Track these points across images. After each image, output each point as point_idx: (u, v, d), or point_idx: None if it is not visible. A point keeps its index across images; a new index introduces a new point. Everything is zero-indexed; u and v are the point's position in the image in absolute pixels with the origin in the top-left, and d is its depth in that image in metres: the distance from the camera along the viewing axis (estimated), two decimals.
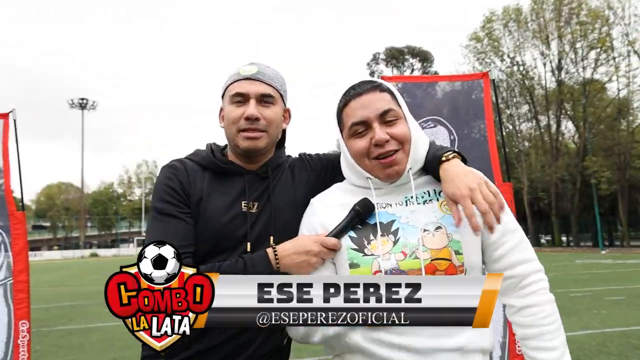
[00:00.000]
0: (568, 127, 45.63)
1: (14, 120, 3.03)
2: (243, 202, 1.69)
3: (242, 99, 1.69)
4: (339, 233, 1.52)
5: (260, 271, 1.51)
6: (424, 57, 57.59)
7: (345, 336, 1.43)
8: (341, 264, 1.50)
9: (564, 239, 45.12)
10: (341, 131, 1.59)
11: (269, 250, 1.55)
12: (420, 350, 1.36)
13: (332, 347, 1.52)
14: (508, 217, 1.52)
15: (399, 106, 1.56)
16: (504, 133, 3.18)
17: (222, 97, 1.78)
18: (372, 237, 1.50)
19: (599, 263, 21.88)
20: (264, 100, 1.70)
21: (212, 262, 1.59)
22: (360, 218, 1.52)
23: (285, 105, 1.81)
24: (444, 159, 1.53)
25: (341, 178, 1.68)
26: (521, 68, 45.00)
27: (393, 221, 1.51)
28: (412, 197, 1.54)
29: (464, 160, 1.57)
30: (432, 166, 1.56)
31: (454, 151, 1.56)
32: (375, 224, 1.51)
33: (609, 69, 39.95)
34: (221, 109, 1.79)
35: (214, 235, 1.63)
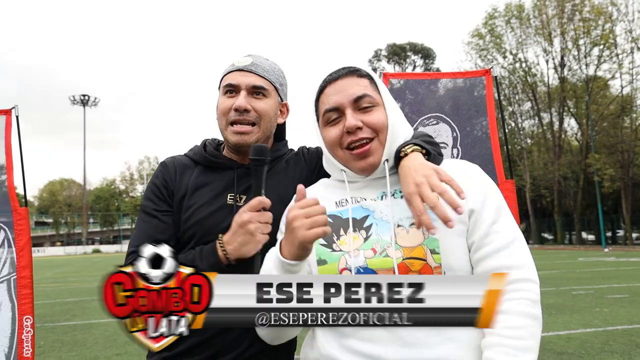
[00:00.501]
0: (571, 124, 45.60)
1: (17, 117, 3.03)
2: (229, 195, 1.66)
3: (233, 90, 1.66)
4: (255, 193, 1.47)
5: (206, 258, 1.49)
6: (426, 54, 57.48)
7: (320, 345, 1.35)
8: (310, 260, 1.40)
9: (566, 236, 45.03)
10: (318, 120, 1.50)
11: (216, 241, 1.52)
12: None
13: (305, 353, 1.44)
14: (495, 215, 1.35)
15: (378, 93, 1.46)
16: (506, 130, 3.17)
17: (218, 85, 1.75)
18: (342, 232, 1.40)
19: (601, 261, 21.84)
20: (255, 92, 1.66)
21: None
22: (262, 162, 1.47)
23: (282, 99, 1.77)
24: (401, 154, 1.40)
25: None
26: (523, 65, 44.89)
27: (367, 216, 1.41)
28: (388, 191, 1.41)
29: (428, 153, 1.40)
30: (396, 161, 1.44)
31: (415, 143, 1.42)
32: (347, 219, 1.41)
33: (612, 66, 39.89)
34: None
35: (196, 230, 1.61)
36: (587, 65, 41.21)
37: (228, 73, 1.69)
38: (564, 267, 18.80)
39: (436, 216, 1.20)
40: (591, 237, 43.17)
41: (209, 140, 1.82)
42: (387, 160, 1.43)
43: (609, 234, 40.20)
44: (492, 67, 3.08)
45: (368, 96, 1.41)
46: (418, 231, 1.32)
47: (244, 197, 1.66)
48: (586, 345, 6.45)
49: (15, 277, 2.95)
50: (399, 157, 1.40)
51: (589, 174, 39.29)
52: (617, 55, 39.28)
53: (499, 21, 45.10)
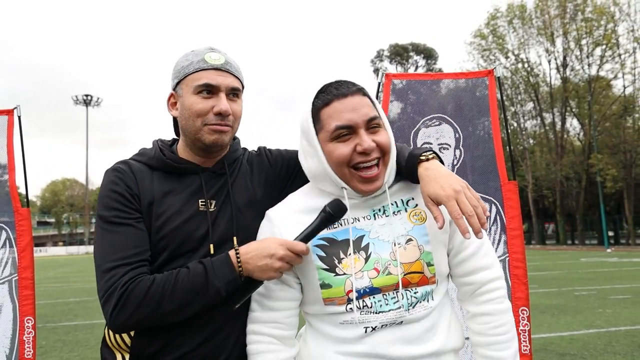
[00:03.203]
0: (573, 124, 45.50)
1: (19, 117, 3.03)
2: (200, 201, 1.57)
3: (211, 90, 1.54)
4: (307, 237, 1.41)
5: (222, 276, 1.41)
6: (428, 54, 57.40)
7: (316, 352, 1.46)
8: (312, 284, 1.44)
9: (568, 237, 44.93)
10: (317, 132, 1.47)
11: (231, 253, 1.44)
12: (395, 359, 1.38)
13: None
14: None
15: (377, 113, 1.48)
16: (509, 131, 3.16)
17: (178, 81, 1.59)
18: (342, 255, 1.43)
19: (604, 261, 21.78)
20: (232, 93, 1.58)
21: (171, 268, 1.48)
22: (333, 219, 1.42)
23: None
24: (423, 158, 1.48)
25: (303, 177, 1.57)
26: (526, 65, 44.79)
27: (363, 236, 1.45)
28: (379, 210, 1.48)
29: (442, 164, 1.52)
30: (409, 165, 1.48)
31: (433, 152, 1.52)
32: (344, 240, 1.45)
33: (615, 66, 39.76)
34: (172, 95, 1.63)
35: (171, 239, 1.51)
36: (589, 65, 41.09)
37: (202, 70, 1.55)
38: (566, 268, 18.75)
39: (465, 224, 1.32)
40: (593, 237, 43.05)
41: (160, 142, 1.69)
42: (386, 181, 1.48)
43: (611, 234, 40.04)
44: (495, 68, 3.07)
45: (377, 117, 1.45)
46: (414, 247, 1.44)
47: (214, 202, 1.59)
48: (589, 346, 6.42)
49: (17, 278, 2.95)
50: (418, 160, 1.48)
51: (591, 175, 39.16)
52: (619, 55, 39.15)
53: (501, 21, 45.01)
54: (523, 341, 2.73)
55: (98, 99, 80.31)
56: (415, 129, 3.03)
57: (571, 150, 44.01)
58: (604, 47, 39.67)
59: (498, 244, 2.85)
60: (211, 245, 1.52)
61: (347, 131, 1.42)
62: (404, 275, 1.41)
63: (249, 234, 1.55)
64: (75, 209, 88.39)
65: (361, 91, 1.46)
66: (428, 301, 1.44)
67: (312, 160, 1.49)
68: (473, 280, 1.49)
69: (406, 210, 1.49)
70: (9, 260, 2.97)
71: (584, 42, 40.88)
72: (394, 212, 1.48)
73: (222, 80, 1.55)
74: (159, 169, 1.61)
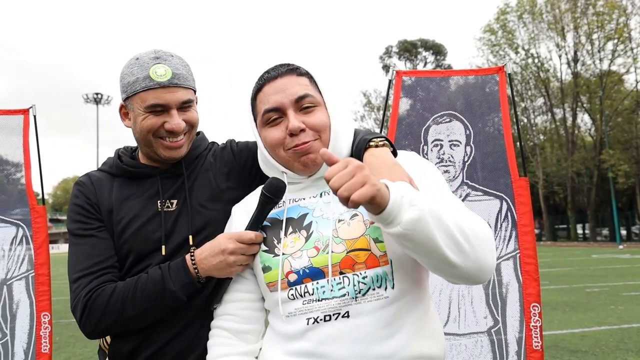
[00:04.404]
0: (584, 120, 45.13)
1: (34, 116, 3.08)
2: (159, 202, 1.58)
3: (160, 109, 1.51)
4: (253, 225, 1.38)
5: (179, 280, 1.42)
6: (437, 50, 57.06)
7: (264, 353, 1.37)
8: (257, 269, 1.39)
9: (579, 232, 44.58)
10: (255, 119, 1.45)
11: (187, 257, 1.45)
12: (341, 358, 1.21)
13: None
14: (435, 186, 1.37)
15: (319, 92, 1.42)
16: (519, 126, 3.14)
17: (127, 95, 1.54)
18: (282, 235, 1.36)
19: (616, 258, 21.60)
20: (183, 106, 1.54)
21: (139, 270, 1.51)
22: (272, 201, 1.37)
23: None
24: (372, 144, 1.40)
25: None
26: (536, 60, 44.43)
27: (306, 215, 1.37)
28: (328, 190, 1.38)
29: (395, 153, 1.43)
30: (357, 149, 1.42)
31: (386, 139, 1.43)
32: (285, 219, 1.38)
33: (627, 61, 39.35)
34: (122, 106, 1.61)
35: (133, 242, 1.53)
36: (600, 59, 40.68)
37: (148, 90, 1.50)
38: (577, 265, 18.62)
39: None
40: (605, 233, 42.68)
41: (122, 150, 1.72)
42: None
43: (623, 230, 39.69)
44: (505, 64, 3.06)
45: (309, 96, 1.37)
46: (359, 222, 1.30)
47: (175, 202, 1.59)
48: (601, 343, 6.39)
49: (33, 274, 2.99)
50: (366, 146, 1.39)
51: (602, 170, 38.82)
52: (631, 49, 38.72)
53: (511, 16, 44.69)
54: (535, 337, 2.73)
55: (108, 97, 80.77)
56: (426, 126, 3.03)
57: (582, 146, 43.64)
58: (615, 41, 39.26)
59: (509, 240, 2.85)
60: (163, 247, 1.53)
61: (276, 114, 1.37)
62: (347, 252, 1.26)
63: (216, 227, 1.54)
64: None
65: (295, 71, 1.40)
66: (385, 289, 1.24)
67: (259, 149, 1.48)
68: None
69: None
70: (25, 256, 3.01)
71: (595, 36, 40.48)
72: None
73: (170, 97, 1.51)
74: (119, 176, 1.64)
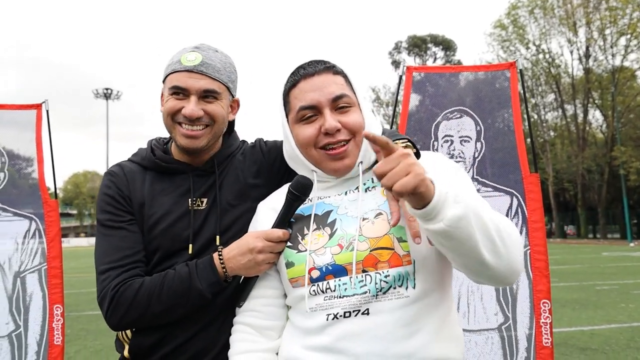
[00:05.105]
0: (596, 116, 44.66)
1: (47, 111, 3.11)
2: (189, 200, 1.58)
3: (180, 92, 1.53)
4: (280, 222, 1.39)
5: (206, 278, 1.43)
6: (447, 46, 56.72)
7: (283, 346, 1.37)
8: (280, 264, 1.39)
9: (590, 230, 44.24)
10: (287, 115, 1.43)
11: (215, 255, 1.46)
12: (359, 356, 1.21)
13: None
14: (458, 181, 1.35)
15: (354, 92, 1.40)
16: (530, 122, 3.11)
17: (163, 78, 1.60)
18: (306, 230, 1.36)
19: (626, 256, 21.41)
20: (206, 96, 1.54)
21: (166, 267, 1.52)
22: (299, 198, 1.37)
23: (233, 95, 1.65)
24: None
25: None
26: (547, 56, 44.01)
27: (330, 212, 1.37)
28: (355, 189, 1.38)
29: (417, 154, 1.40)
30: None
31: (409, 140, 1.41)
32: (309, 216, 1.37)
33: None
34: (162, 93, 1.62)
35: (162, 239, 1.53)
36: (613, 55, 40.21)
37: (174, 72, 1.54)
38: (587, 262, 18.49)
39: (417, 227, 1.18)
40: (616, 231, 42.32)
41: (154, 142, 1.71)
42: (361, 162, 1.38)
43: (634, 228, 39.30)
44: (517, 60, 3.04)
45: (346, 96, 1.36)
46: (384, 221, 1.29)
47: (205, 200, 1.59)
48: (610, 341, 6.35)
49: (46, 267, 3.03)
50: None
51: (614, 167, 38.45)
52: None
53: (522, 11, 44.25)
54: (545, 334, 2.72)
55: (118, 92, 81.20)
56: (436, 121, 3.02)
57: (593, 143, 43.24)
58: (628, 36, 38.77)
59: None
60: (190, 246, 1.53)
61: (311, 112, 1.36)
62: (371, 251, 1.25)
63: (243, 226, 1.55)
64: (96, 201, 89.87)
65: (332, 69, 1.38)
66: (406, 288, 1.24)
67: (287, 144, 1.46)
68: None
69: (381, 186, 1.28)
70: (38, 250, 3.05)
71: (607, 31, 40.00)
72: (367, 188, 1.38)
73: (192, 83, 1.52)
74: (151, 169, 1.63)
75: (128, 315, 1.46)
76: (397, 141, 1.39)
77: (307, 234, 1.35)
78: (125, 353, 1.57)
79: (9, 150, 3.11)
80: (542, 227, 2.84)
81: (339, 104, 1.35)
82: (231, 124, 1.74)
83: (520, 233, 2.84)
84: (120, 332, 1.61)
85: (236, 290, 1.48)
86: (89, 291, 13.10)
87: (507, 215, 2.85)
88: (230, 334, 1.48)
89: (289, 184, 1.42)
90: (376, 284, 1.24)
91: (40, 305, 3.01)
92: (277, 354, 1.41)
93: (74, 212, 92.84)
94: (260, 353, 1.38)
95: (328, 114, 1.34)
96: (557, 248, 28.39)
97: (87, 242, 70.90)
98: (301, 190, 1.36)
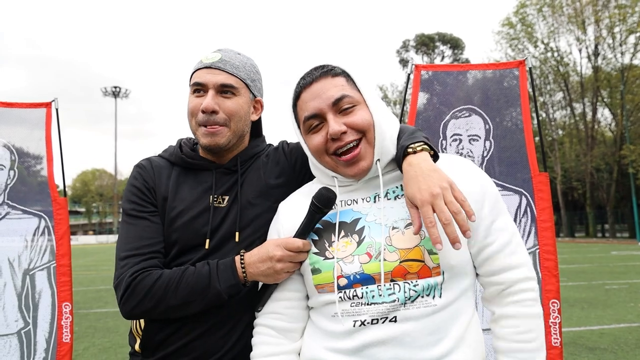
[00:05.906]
0: (604, 114, 44.26)
1: (56, 109, 3.12)
2: (211, 197, 1.61)
3: (201, 89, 1.58)
4: (302, 233, 1.38)
5: (226, 280, 1.45)
6: (455, 44, 56.43)
7: (305, 347, 1.38)
8: (306, 270, 1.38)
9: (599, 230, 43.92)
10: (299, 127, 1.43)
11: (237, 258, 1.48)
12: None
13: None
14: (494, 213, 1.33)
15: (357, 90, 1.37)
16: (539, 121, 3.08)
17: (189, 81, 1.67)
18: (333, 238, 1.34)
19: (636, 255, 21.23)
20: (224, 91, 1.58)
21: (183, 261, 1.55)
22: (321, 211, 1.36)
23: (255, 95, 1.69)
24: (410, 150, 1.33)
25: None
26: (555, 54, 43.68)
27: (358, 219, 1.35)
28: (385, 194, 1.37)
29: (435, 156, 1.35)
30: (397, 157, 1.36)
31: (425, 142, 1.36)
32: (336, 223, 1.36)
33: None
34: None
35: (182, 233, 1.57)
36: (622, 53, 39.79)
37: (196, 70, 1.61)
38: (596, 261, 18.36)
39: (437, 234, 1.17)
40: (625, 230, 41.98)
41: (184, 140, 1.77)
42: (378, 160, 1.36)
43: None
44: (526, 58, 3.01)
45: (347, 96, 1.34)
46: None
47: (226, 198, 1.62)
48: (619, 340, 6.31)
49: (55, 264, 3.04)
50: (404, 153, 1.34)
51: (623, 166, 38.13)
52: None
53: (530, 9, 43.91)
54: (554, 334, 2.70)
55: (126, 90, 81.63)
56: (445, 120, 3.00)
57: (602, 141, 42.89)
58: (638, 34, 38.37)
59: (528, 235, 2.82)
60: (207, 241, 1.55)
61: (316, 120, 1.36)
62: (400, 262, 1.25)
63: (259, 228, 1.58)
64: (105, 199, 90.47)
65: (329, 73, 1.37)
66: (433, 298, 1.24)
67: (307, 155, 1.47)
68: (501, 279, 1.31)
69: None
70: (47, 247, 3.07)
71: (617, 29, 39.59)
72: (397, 196, 1.36)
73: (210, 78, 1.57)
74: (177, 165, 1.68)
75: (142, 304, 1.47)
76: (411, 145, 1.34)
77: (334, 241, 1.34)
78: (137, 347, 1.59)
79: (19, 148, 3.12)
80: (552, 226, 2.82)
81: (341, 106, 1.34)
82: (258, 126, 1.78)
83: (529, 232, 2.82)
84: (134, 325, 1.62)
85: (252, 293, 1.49)
86: (97, 289, 13.19)
87: (516, 215, 2.83)
88: (240, 335, 1.50)
89: (310, 183, 1.47)
90: (405, 292, 1.24)
91: (49, 302, 3.02)
92: (299, 354, 1.41)
93: (82, 209, 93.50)
94: (283, 356, 1.39)
95: (331, 118, 1.33)
96: (565, 247, 28.22)
97: (96, 240, 71.32)
98: (324, 202, 1.36)
